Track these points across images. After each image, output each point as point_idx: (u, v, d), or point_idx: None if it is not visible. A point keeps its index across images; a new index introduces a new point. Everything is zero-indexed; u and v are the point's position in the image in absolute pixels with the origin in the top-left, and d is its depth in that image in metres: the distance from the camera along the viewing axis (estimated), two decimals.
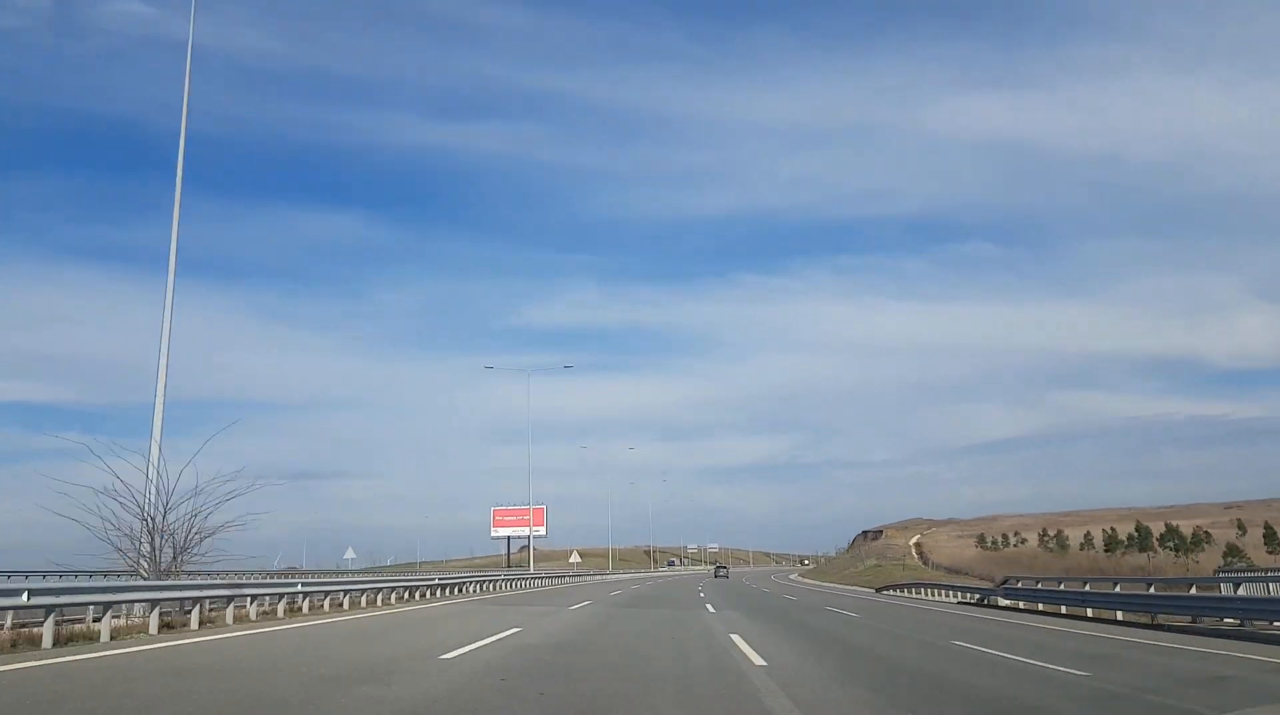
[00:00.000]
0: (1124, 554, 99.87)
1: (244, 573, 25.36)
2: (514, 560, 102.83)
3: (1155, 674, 11.40)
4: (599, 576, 78.80)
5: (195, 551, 17.81)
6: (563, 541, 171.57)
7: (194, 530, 17.69)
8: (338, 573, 45.69)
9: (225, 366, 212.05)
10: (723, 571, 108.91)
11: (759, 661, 11.42)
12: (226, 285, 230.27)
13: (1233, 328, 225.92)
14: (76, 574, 18.13)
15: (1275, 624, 17.40)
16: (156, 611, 14.58)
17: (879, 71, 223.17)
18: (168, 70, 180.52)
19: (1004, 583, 33.65)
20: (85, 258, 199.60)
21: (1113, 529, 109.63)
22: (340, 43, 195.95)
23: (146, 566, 17.10)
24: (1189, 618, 19.91)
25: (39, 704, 7.54)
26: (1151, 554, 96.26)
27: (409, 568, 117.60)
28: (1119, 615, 22.46)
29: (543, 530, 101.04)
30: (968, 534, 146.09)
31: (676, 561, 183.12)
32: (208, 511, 17.62)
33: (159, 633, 14.19)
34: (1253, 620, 17.76)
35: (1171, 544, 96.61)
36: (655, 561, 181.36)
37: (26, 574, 22.91)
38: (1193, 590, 22.34)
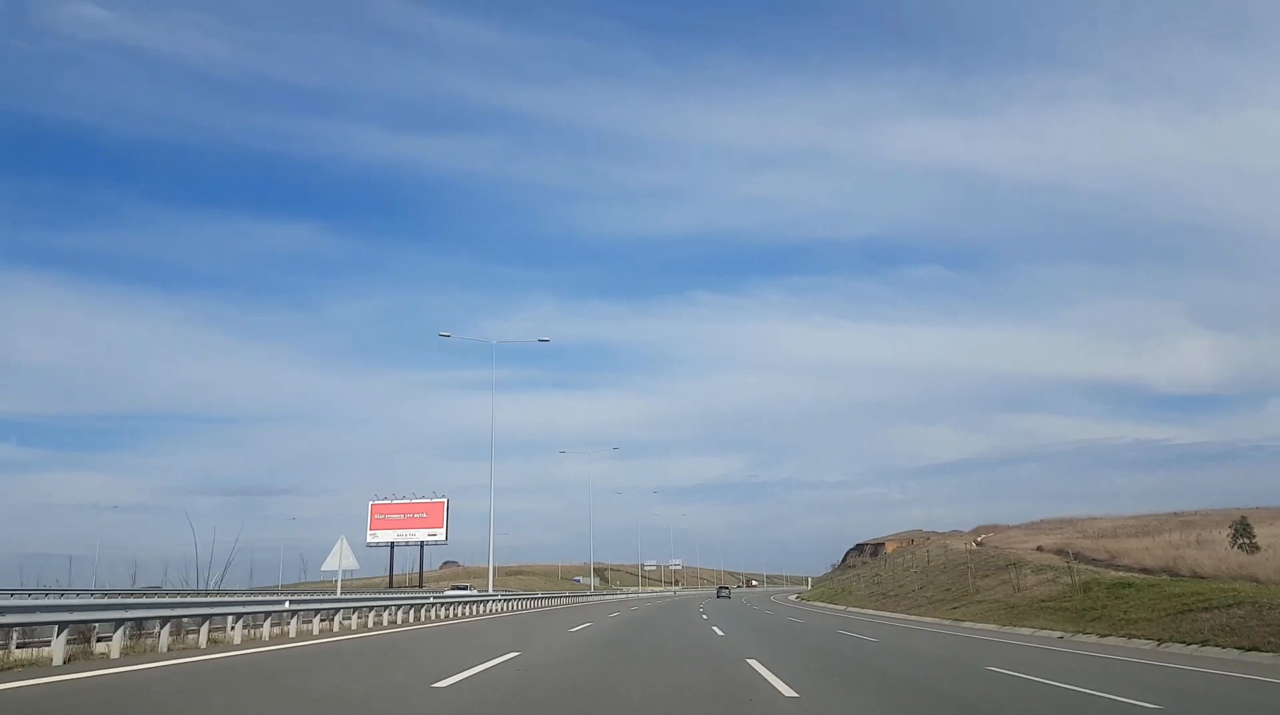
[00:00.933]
0: None
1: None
2: (402, 580, 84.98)
3: None
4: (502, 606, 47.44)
5: None
6: (518, 557, 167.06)
7: None
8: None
9: (174, 378, 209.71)
10: (725, 592, 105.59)
11: None
12: (176, 294, 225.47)
13: (1174, 353, 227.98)
14: None
15: None
16: None
17: (835, 96, 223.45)
18: (121, 74, 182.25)
19: None
20: (22, 262, 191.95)
21: None
22: (300, 53, 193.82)
23: None
24: None
25: None
26: None
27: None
28: None
29: (441, 534, 78.94)
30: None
31: (588, 580, 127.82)
32: None
33: None
34: None
35: None
36: (607, 581, 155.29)
37: None
38: None
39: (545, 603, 57.56)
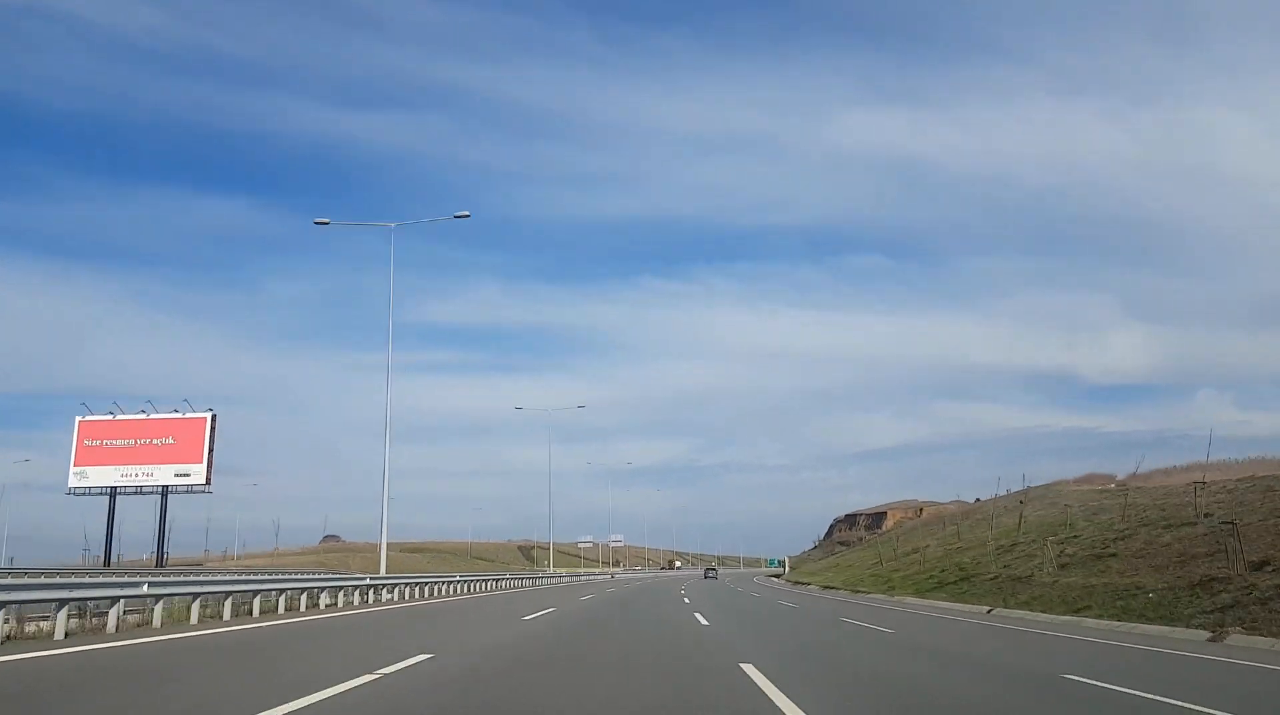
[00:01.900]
0: None
1: None
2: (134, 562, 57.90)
3: None
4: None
5: None
6: (447, 534, 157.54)
7: None
8: None
9: (106, 357, 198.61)
10: (712, 573, 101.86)
11: None
12: (107, 270, 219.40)
13: (1107, 345, 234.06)
14: None
15: None
16: None
17: (782, 82, 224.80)
18: (53, 43, 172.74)
19: None
20: None
21: None
22: (239, 24, 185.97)
23: None
24: None
25: None
26: None
27: None
28: None
29: (197, 473, 50.39)
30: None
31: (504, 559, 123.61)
32: None
33: None
34: None
35: None
36: (533, 561, 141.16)
37: None
38: None
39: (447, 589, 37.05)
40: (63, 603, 13.06)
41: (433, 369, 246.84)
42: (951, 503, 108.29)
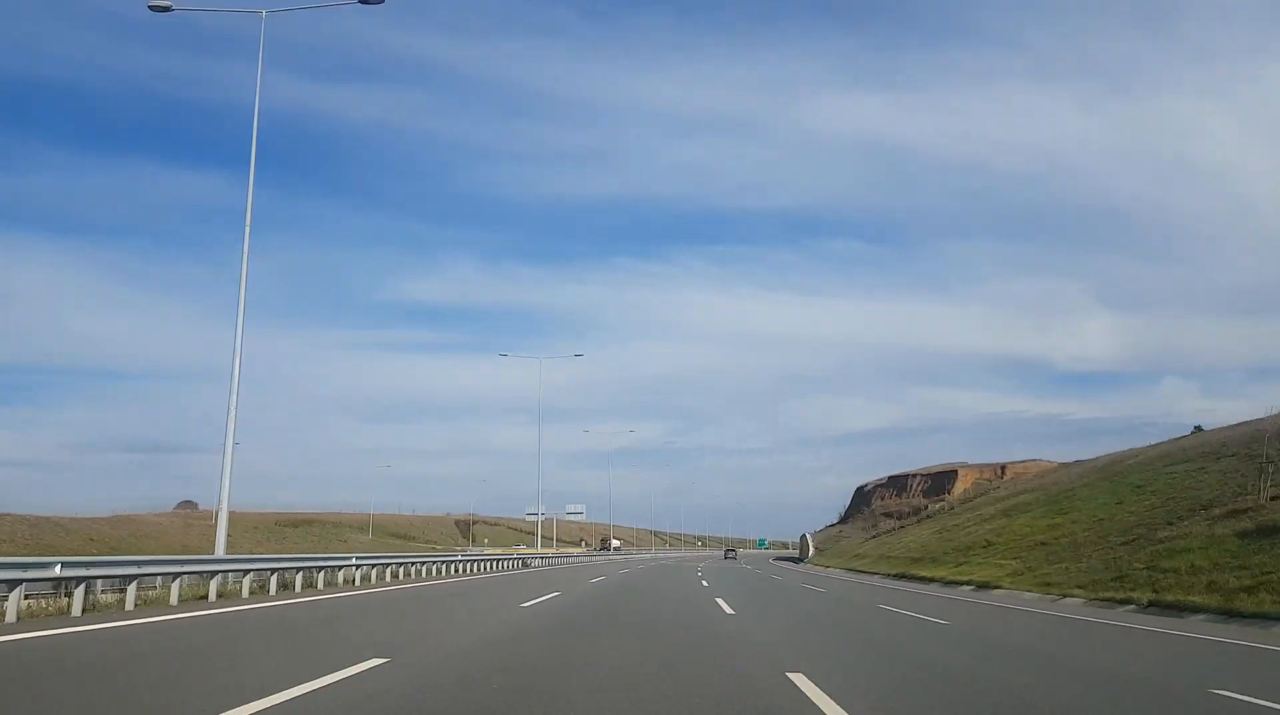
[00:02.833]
0: None
1: None
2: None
3: None
4: None
5: None
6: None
7: None
8: None
9: (72, 330, 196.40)
10: (731, 555, 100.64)
11: None
12: (76, 242, 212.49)
13: (1077, 331, 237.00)
14: None
15: None
16: None
17: (762, 64, 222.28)
18: (13, 7, 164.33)
19: None
20: None
21: None
22: None
23: None
24: None
25: None
26: None
27: None
28: None
29: None
30: None
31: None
32: None
33: None
34: None
35: None
36: (471, 539, 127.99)
37: None
38: None
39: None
40: None
41: (410, 348, 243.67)
42: (1027, 462, 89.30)
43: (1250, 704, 7.39)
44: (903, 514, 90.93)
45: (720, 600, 20.19)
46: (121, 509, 70.57)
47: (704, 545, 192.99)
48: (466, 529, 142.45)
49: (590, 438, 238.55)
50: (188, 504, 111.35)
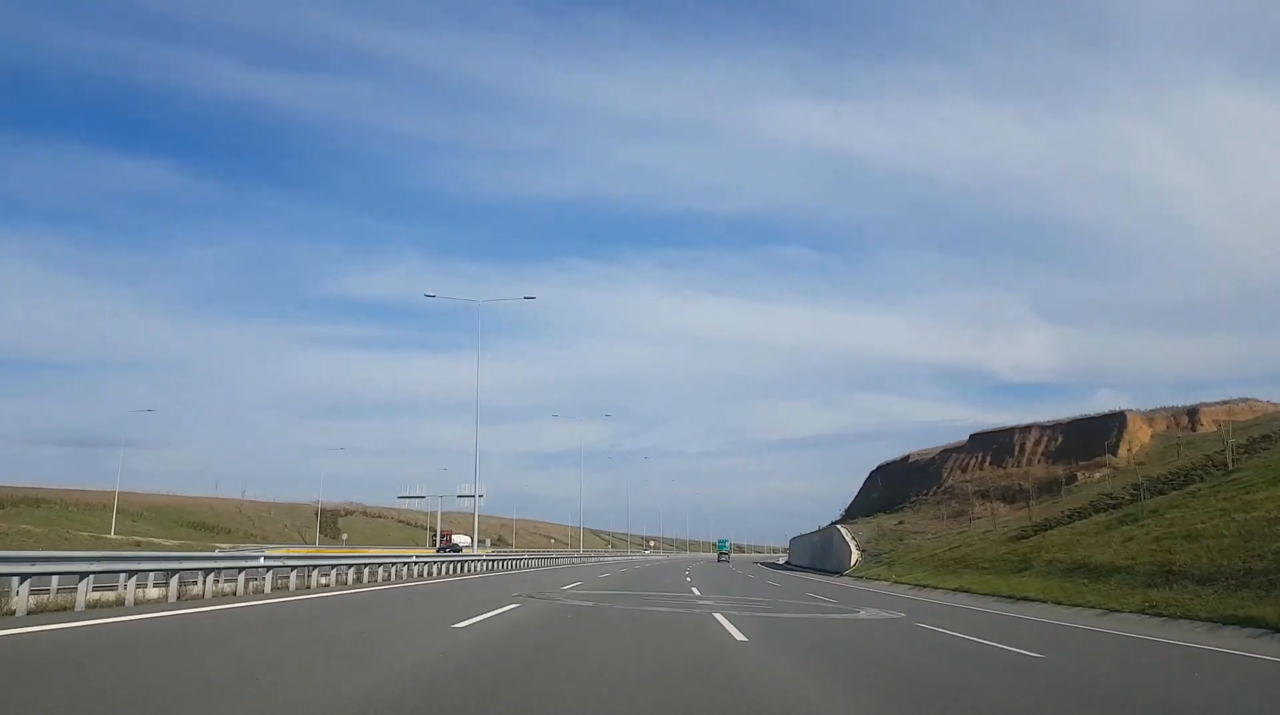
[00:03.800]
0: None
1: None
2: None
3: None
4: None
5: None
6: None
7: None
8: None
9: (4, 318, 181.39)
10: (725, 558, 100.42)
11: None
12: (9, 229, 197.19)
13: (1016, 343, 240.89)
14: None
15: None
16: None
17: (715, 69, 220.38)
18: None
19: None
20: None
21: None
22: None
23: None
24: None
25: None
26: None
27: None
28: None
29: None
30: None
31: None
32: None
33: None
34: None
35: None
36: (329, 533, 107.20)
37: None
38: None
39: None
40: None
41: (352, 343, 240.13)
42: (1230, 403, 63.78)
43: None
44: (1013, 493, 59.14)
45: None
46: None
47: (654, 547, 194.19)
48: (333, 521, 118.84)
49: (534, 439, 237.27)
50: None
